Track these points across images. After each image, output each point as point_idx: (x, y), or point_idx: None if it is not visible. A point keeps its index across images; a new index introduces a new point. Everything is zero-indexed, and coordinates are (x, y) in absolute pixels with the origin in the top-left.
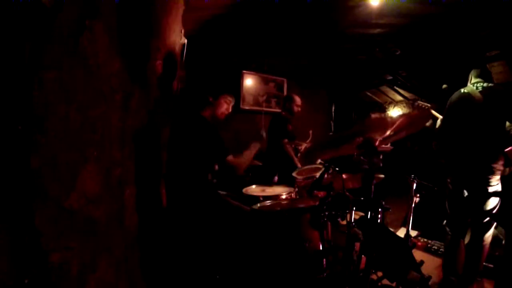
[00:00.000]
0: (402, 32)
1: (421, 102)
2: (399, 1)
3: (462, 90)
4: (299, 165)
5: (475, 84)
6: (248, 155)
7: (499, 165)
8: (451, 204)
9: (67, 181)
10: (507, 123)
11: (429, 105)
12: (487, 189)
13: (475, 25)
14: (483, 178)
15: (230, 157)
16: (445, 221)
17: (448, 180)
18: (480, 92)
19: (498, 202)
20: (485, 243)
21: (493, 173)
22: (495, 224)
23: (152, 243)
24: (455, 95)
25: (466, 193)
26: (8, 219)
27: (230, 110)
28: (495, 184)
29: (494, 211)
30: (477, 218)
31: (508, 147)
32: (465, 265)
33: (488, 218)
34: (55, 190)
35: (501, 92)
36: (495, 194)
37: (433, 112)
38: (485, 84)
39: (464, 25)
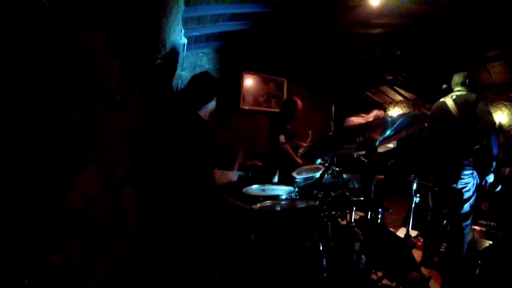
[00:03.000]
0: (402, 32)
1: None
2: (399, 1)
3: (440, 100)
4: (299, 161)
5: (452, 93)
6: (225, 178)
7: (468, 161)
8: (434, 196)
9: (67, 181)
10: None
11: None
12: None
13: (475, 25)
14: (456, 173)
15: (216, 170)
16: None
17: (432, 176)
18: (453, 100)
19: (472, 194)
20: (465, 231)
21: (463, 168)
22: (472, 215)
23: (152, 243)
24: (435, 104)
25: (457, 186)
26: (8, 219)
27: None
28: (466, 178)
29: (471, 201)
30: (456, 208)
31: (476, 146)
32: (448, 255)
33: (467, 209)
34: (55, 190)
35: (469, 100)
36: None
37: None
38: (459, 93)
39: (464, 25)
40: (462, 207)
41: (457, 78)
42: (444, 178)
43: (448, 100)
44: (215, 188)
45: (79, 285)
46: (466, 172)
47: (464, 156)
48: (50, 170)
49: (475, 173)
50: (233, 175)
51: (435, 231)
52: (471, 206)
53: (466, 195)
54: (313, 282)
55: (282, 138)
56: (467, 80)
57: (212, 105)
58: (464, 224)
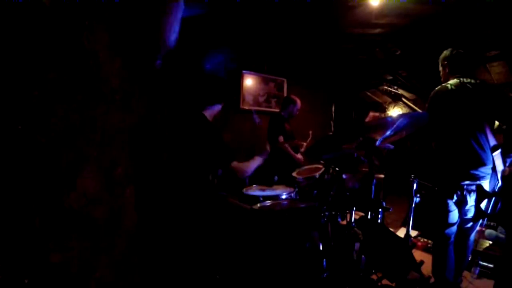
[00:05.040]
0: (402, 32)
1: (387, 88)
2: (399, 1)
3: (448, 86)
4: (300, 157)
5: (462, 79)
6: (251, 165)
7: (488, 169)
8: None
9: (67, 181)
10: (496, 123)
11: (399, 92)
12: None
13: (475, 25)
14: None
15: (234, 163)
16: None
17: (435, 181)
18: (469, 89)
19: (489, 204)
20: (470, 242)
21: (479, 178)
22: (479, 223)
23: (152, 243)
24: (440, 91)
25: (456, 198)
26: (8, 219)
27: None
28: (486, 183)
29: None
30: (465, 219)
31: (496, 151)
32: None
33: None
34: (55, 190)
35: (491, 88)
36: (494, 194)
37: (405, 100)
38: (472, 80)
39: (464, 25)
40: (475, 220)
41: (455, 54)
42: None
43: (462, 88)
44: (215, 189)
45: (79, 285)
46: (485, 182)
47: (485, 163)
48: (50, 170)
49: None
50: (258, 159)
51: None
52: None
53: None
54: (313, 282)
55: (281, 138)
56: (467, 61)
57: (218, 107)
58: (472, 234)
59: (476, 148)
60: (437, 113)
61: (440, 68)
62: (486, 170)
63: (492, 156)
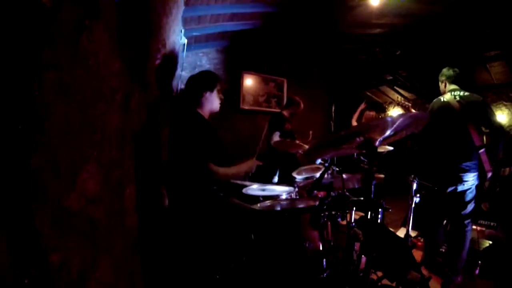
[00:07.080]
0: (402, 32)
1: (402, 101)
2: (399, 1)
3: (442, 99)
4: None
5: (453, 93)
6: (236, 170)
7: (474, 164)
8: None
9: (67, 181)
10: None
11: (409, 104)
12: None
13: (475, 25)
14: (461, 175)
15: (221, 169)
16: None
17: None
18: (457, 101)
19: (475, 194)
20: (467, 230)
21: (467, 171)
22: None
23: (152, 243)
24: (436, 104)
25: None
26: (8, 219)
27: (222, 96)
28: (471, 180)
29: (473, 201)
30: (458, 209)
31: (481, 149)
32: (450, 256)
33: (470, 209)
34: (55, 190)
35: (476, 102)
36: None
37: (413, 111)
38: (461, 93)
39: (464, 25)
40: (465, 208)
41: (451, 73)
42: (448, 180)
43: (452, 101)
44: (213, 186)
45: (79, 285)
46: (471, 174)
47: (471, 159)
48: (50, 170)
49: (477, 174)
50: (252, 165)
51: (436, 232)
52: (474, 206)
53: (470, 196)
54: (313, 282)
55: (276, 135)
56: (460, 78)
57: (211, 101)
58: (466, 222)
59: (461, 147)
60: (433, 121)
61: (440, 83)
62: (471, 164)
63: (478, 153)
